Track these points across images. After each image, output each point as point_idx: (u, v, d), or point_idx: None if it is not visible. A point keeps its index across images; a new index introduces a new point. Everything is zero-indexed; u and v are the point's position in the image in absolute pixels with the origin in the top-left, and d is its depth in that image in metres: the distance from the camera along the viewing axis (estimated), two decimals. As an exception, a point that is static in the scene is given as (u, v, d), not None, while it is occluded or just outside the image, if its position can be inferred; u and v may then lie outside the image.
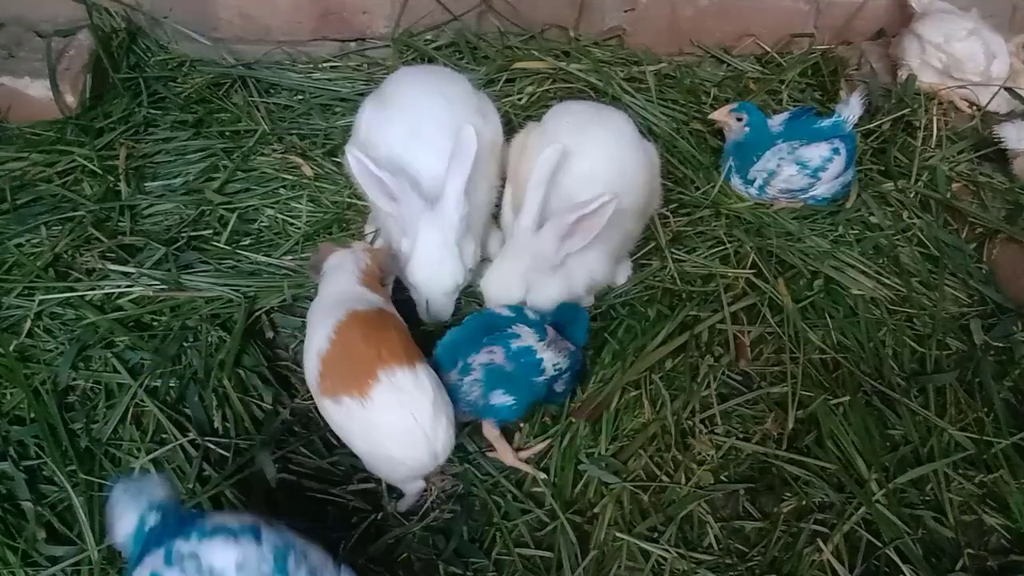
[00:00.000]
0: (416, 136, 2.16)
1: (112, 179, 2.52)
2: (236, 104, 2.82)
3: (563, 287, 2.09)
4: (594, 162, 2.12)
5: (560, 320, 2.05)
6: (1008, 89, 2.97)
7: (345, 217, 2.51)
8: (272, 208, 2.53)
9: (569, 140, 2.13)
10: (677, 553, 1.86)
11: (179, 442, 1.94)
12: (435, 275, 2.07)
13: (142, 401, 1.99)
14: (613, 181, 2.09)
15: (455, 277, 2.08)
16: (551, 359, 1.94)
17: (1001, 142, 2.75)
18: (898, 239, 2.58)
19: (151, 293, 2.22)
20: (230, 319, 2.19)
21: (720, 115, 2.63)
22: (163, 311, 2.21)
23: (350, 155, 2.04)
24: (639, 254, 2.46)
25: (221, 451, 1.96)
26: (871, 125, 2.85)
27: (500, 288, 2.06)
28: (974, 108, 3.00)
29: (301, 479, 1.94)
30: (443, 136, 2.11)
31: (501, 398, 1.91)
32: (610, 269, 2.22)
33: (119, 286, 2.23)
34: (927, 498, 2.00)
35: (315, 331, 1.82)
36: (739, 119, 2.61)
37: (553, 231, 1.99)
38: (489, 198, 2.30)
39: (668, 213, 2.55)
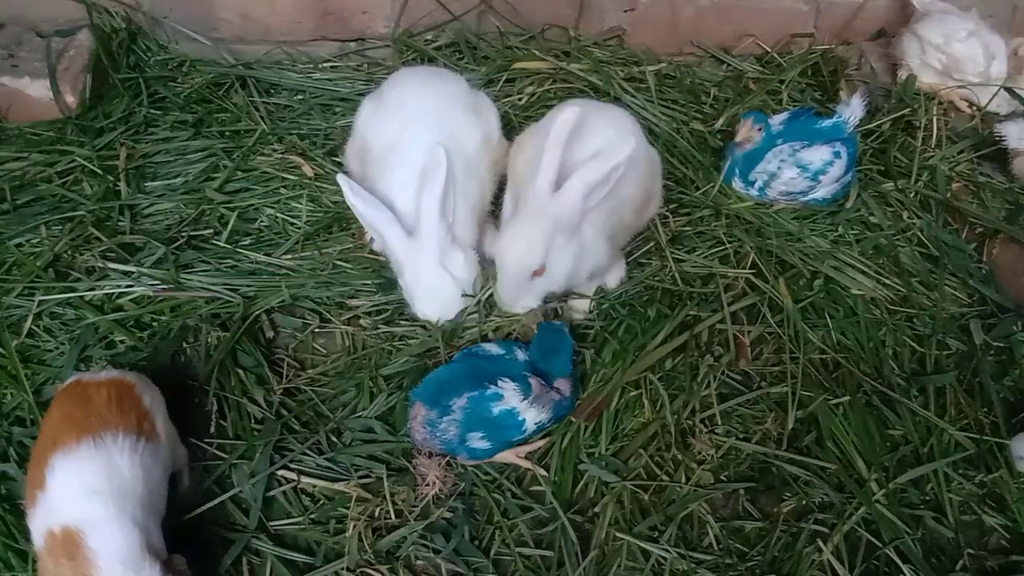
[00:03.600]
0: (404, 132, 2.17)
1: (112, 179, 2.52)
2: (236, 104, 2.82)
3: (576, 258, 2.05)
4: (594, 149, 2.09)
5: (544, 348, 2.03)
6: (1008, 89, 2.97)
7: (345, 216, 2.51)
8: (272, 208, 2.53)
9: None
10: (677, 553, 1.86)
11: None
12: (432, 303, 2.13)
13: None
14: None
15: (452, 296, 2.12)
16: (533, 417, 1.94)
17: (1002, 140, 2.75)
18: (898, 239, 2.58)
19: (152, 293, 2.22)
20: (230, 319, 2.19)
21: (746, 132, 2.57)
22: (163, 311, 2.21)
23: (341, 181, 2.08)
24: (638, 254, 2.46)
25: (219, 452, 1.96)
26: (871, 125, 2.85)
27: (522, 252, 1.99)
28: (974, 108, 3.00)
29: (301, 477, 1.94)
30: (436, 134, 2.13)
31: (478, 442, 1.93)
32: (610, 257, 2.20)
33: (119, 286, 2.23)
34: (927, 498, 2.01)
35: None
36: (759, 129, 2.58)
37: (579, 185, 1.94)
38: (483, 196, 2.30)
39: (668, 213, 2.55)
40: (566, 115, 1.99)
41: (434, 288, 2.10)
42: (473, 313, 2.15)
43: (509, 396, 1.91)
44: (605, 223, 2.10)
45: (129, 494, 1.57)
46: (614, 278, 2.36)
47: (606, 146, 2.03)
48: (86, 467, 1.57)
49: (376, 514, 1.89)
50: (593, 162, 1.95)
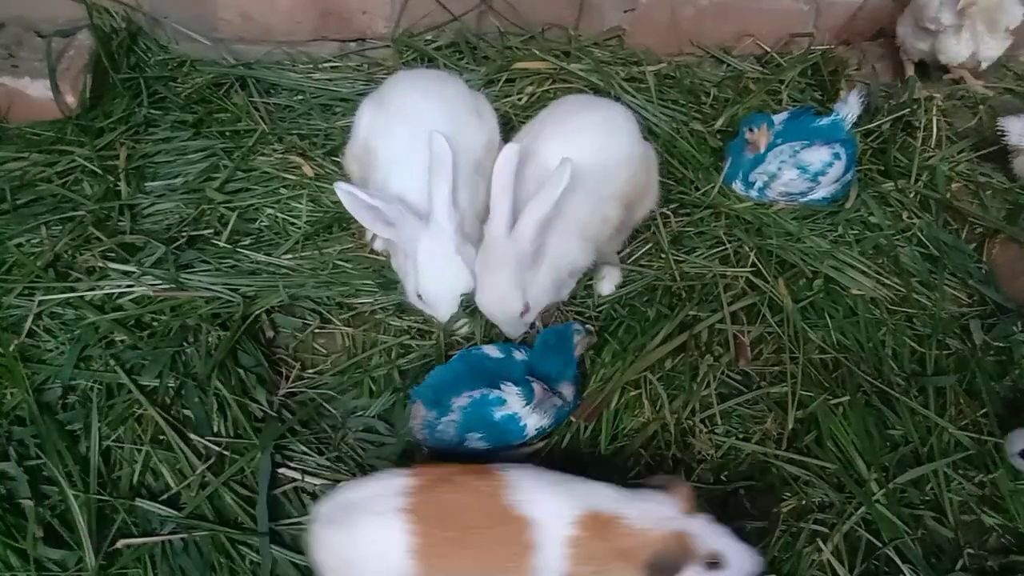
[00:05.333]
0: (415, 138, 2.15)
1: (112, 179, 2.52)
2: (236, 104, 2.82)
3: (551, 272, 2.03)
4: (577, 149, 2.05)
5: (546, 347, 2.02)
6: (1011, 91, 2.98)
7: (345, 216, 2.51)
8: (272, 208, 2.53)
9: (553, 128, 2.13)
10: (677, 553, 1.86)
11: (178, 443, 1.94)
12: (442, 286, 2.08)
13: (141, 402, 1.99)
14: (593, 166, 2.06)
15: (461, 284, 2.07)
16: (535, 423, 1.94)
17: (1003, 136, 2.72)
18: (898, 239, 2.58)
19: (152, 293, 2.22)
20: (230, 319, 2.19)
21: (764, 138, 2.55)
22: (163, 311, 2.21)
23: (339, 191, 2.02)
24: (639, 254, 2.46)
25: (222, 451, 1.96)
26: (871, 125, 2.85)
27: (499, 303, 2.00)
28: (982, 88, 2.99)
29: (304, 476, 1.95)
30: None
31: (477, 443, 1.92)
32: (589, 253, 2.15)
33: (119, 286, 2.23)
34: (927, 498, 2.01)
35: None
36: (771, 132, 2.58)
37: (530, 223, 1.91)
38: (487, 198, 2.30)
39: (669, 213, 2.55)
40: (505, 155, 1.96)
41: (446, 272, 2.06)
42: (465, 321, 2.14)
43: (512, 401, 1.91)
44: (585, 225, 2.07)
45: None
46: (608, 284, 2.36)
47: (596, 146, 2.05)
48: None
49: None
50: (538, 199, 1.91)
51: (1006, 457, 2.02)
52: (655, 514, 1.55)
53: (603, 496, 1.59)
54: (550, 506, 1.54)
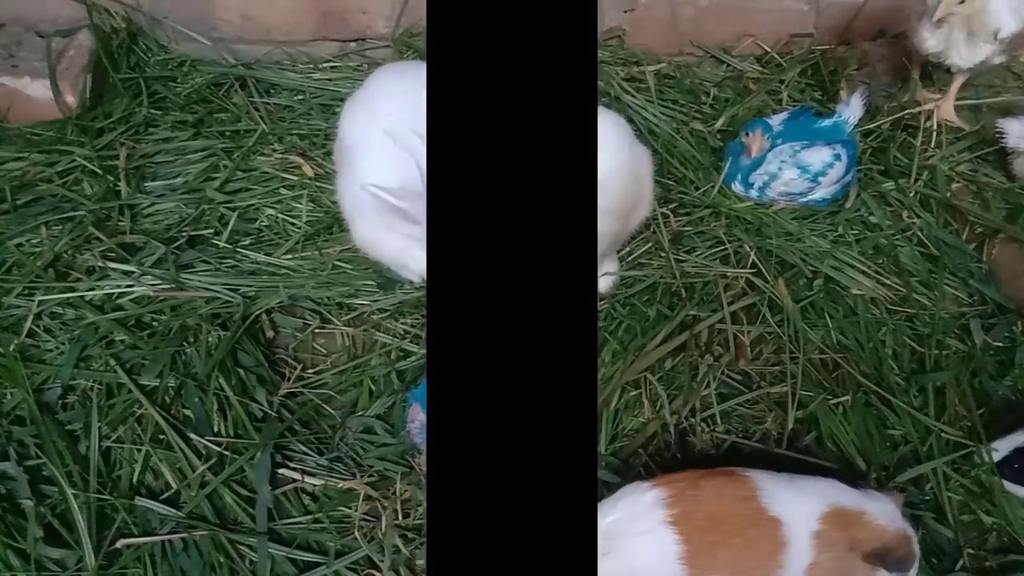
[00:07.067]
0: (375, 118, 2.12)
1: (112, 179, 2.52)
2: (236, 104, 2.82)
3: None
4: None
5: None
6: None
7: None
8: (272, 208, 2.53)
9: None
10: (677, 553, 1.86)
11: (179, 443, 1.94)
12: None
13: (141, 402, 1.99)
14: None
15: None
16: None
17: (1002, 138, 2.70)
18: (898, 239, 2.58)
19: (152, 293, 2.22)
20: (230, 319, 2.19)
21: (758, 145, 2.54)
22: (163, 311, 2.21)
23: (366, 192, 1.96)
24: (639, 253, 2.46)
25: (222, 451, 1.96)
26: (871, 125, 2.85)
27: None
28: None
29: (305, 476, 1.95)
30: (409, 120, 2.03)
31: None
32: None
33: (119, 286, 2.23)
34: (927, 498, 2.01)
35: None
36: (767, 138, 2.57)
37: None
38: None
39: (669, 212, 2.55)
40: None
41: None
42: None
43: None
44: None
45: None
46: (606, 283, 2.35)
47: None
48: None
49: (381, 513, 1.89)
50: None
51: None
52: (889, 512, 1.67)
53: (841, 493, 1.68)
54: (798, 506, 1.63)
